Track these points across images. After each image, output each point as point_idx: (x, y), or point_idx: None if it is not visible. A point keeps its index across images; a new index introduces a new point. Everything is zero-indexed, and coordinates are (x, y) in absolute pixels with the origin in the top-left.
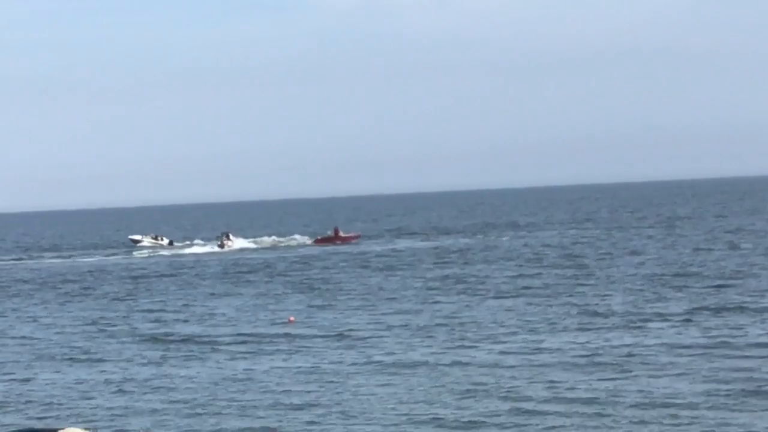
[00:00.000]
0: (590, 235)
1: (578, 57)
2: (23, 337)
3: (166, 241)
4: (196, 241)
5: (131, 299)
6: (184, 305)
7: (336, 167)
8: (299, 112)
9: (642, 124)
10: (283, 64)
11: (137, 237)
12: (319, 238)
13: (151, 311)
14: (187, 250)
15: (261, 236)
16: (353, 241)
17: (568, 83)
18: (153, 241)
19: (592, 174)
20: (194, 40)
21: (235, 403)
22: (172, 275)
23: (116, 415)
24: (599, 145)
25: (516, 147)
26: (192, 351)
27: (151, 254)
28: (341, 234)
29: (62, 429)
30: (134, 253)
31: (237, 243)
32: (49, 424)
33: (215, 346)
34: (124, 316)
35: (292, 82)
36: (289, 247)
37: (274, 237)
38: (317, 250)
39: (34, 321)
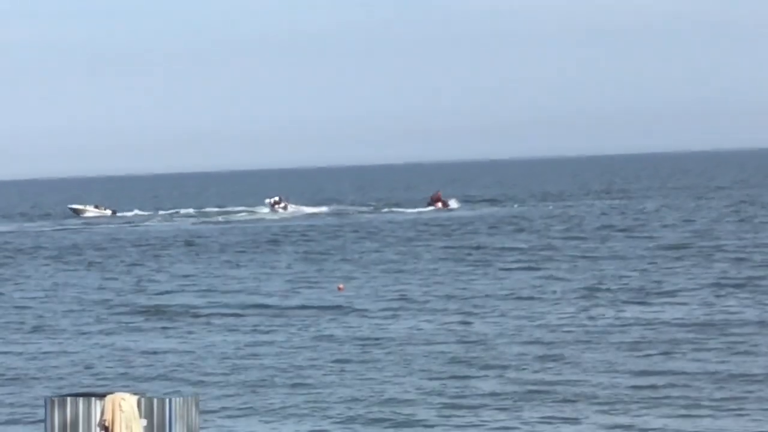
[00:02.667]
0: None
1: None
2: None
3: (109, 212)
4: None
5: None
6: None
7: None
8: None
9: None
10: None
11: (79, 206)
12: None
13: (199, 277)
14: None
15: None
16: (447, 207)
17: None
18: (96, 210)
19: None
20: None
21: (286, 369)
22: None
23: (165, 378)
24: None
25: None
26: (234, 320)
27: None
28: (441, 198)
29: (111, 393)
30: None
31: (291, 209)
32: (91, 388)
33: (267, 314)
34: (186, 285)
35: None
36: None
37: (334, 205)
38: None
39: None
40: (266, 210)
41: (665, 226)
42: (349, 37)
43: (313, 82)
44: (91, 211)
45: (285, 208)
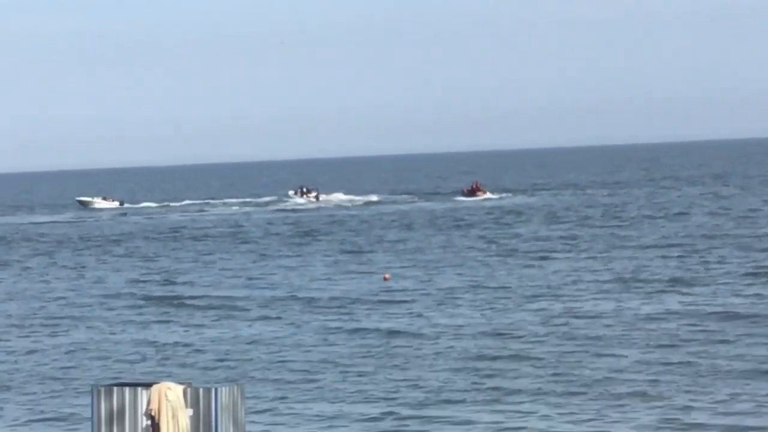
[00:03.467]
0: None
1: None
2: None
3: (116, 203)
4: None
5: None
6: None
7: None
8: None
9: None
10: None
11: (86, 198)
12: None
13: (244, 268)
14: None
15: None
16: (484, 196)
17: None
18: (104, 202)
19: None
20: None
21: (331, 358)
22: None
23: (208, 368)
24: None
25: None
26: (278, 310)
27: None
28: (481, 188)
29: (157, 383)
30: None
31: (325, 198)
32: (138, 378)
33: (310, 304)
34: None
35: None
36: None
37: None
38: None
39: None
40: (301, 200)
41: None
42: (380, 27)
43: (330, 74)
44: (99, 203)
45: (317, 198)
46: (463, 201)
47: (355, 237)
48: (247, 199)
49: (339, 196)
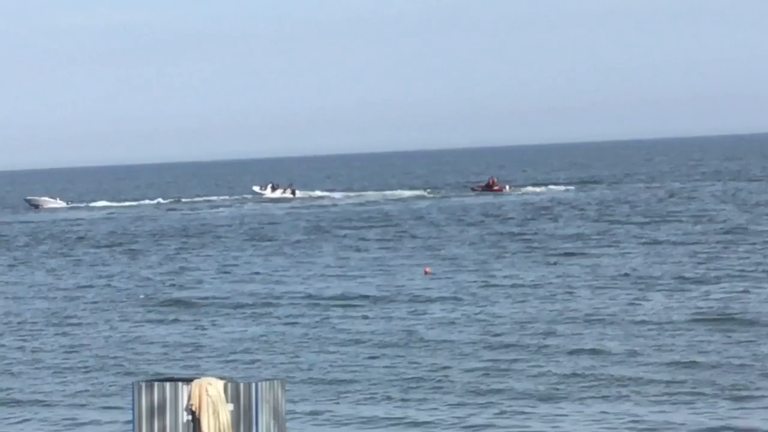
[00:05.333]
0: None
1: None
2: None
3: (63, 203)
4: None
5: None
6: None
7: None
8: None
9: None
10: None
11: (34, 198)
12: (474, 186)
13: (276, 264)
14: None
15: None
16: (502, 191)
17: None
18: (50, 200)
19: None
20: None
21: (373, 353)
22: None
23: (249, 366)
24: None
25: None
26: (318, 305)
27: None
28: (495, 184)
29: (198, 378)
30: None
31: (299, 194)
32: (176, 373)
33: (347, 299)
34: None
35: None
36: (399, 199)
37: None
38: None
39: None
40: (274, 195)
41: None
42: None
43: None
44: (47, 203)
45: (293, 193)
46: (481, 196)
47: (382, 232)
48: (213, 198)
49: (312, 193)
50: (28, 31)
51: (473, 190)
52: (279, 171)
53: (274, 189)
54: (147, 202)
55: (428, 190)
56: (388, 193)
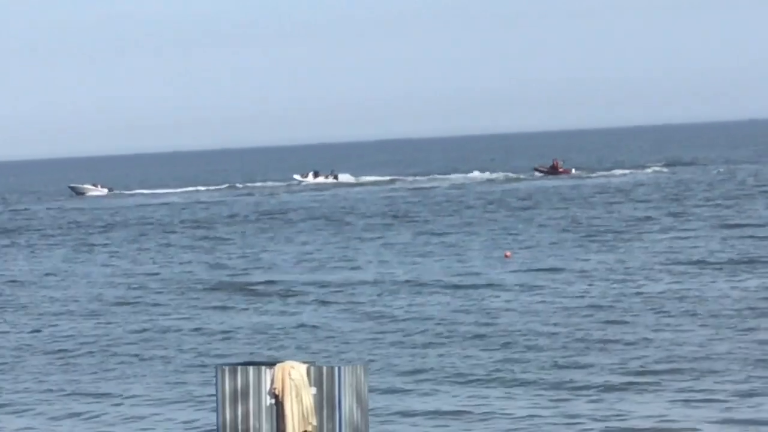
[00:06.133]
0: None
1: None
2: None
3: (105, 190)
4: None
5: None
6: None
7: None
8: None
9: None
10: None
11: (77, 185)
12: (539, 167)
13: (357, 250)
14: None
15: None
16: (568, 174)
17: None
18: (93, 188)
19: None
20: None
21: (451, 337)
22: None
23: (332, 349)
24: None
25: None
26: (400, 289)
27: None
28: (560, 167)
29: (281, 362)
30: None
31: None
32: (259, 357)
33: (427, 283)
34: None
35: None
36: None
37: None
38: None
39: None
40: (316, 181)
41: None
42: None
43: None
44: (90, 190)
45: (335, 178)
46: (550, 178)
47: (455, 216)
48: (277, 183)
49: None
50: (85, 18)
51: (538, 171)
52: (336, 157)
53: (315, 176)
54: (201, 188)
55: (496, 174)
56: (453, 176)
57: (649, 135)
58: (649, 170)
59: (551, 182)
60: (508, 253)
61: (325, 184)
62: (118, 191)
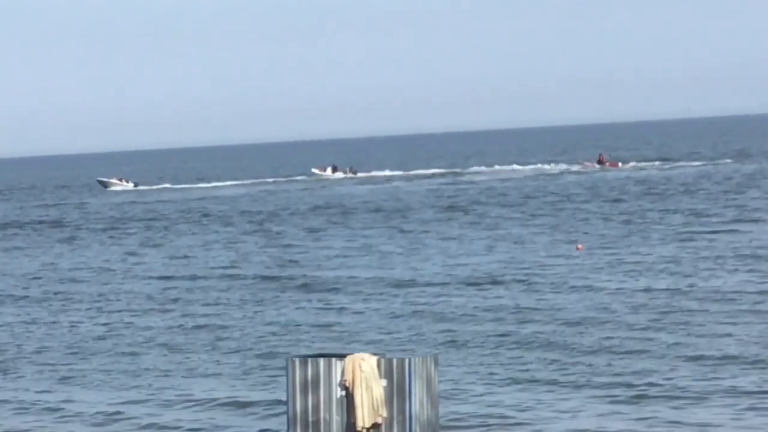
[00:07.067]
0: None
1: None
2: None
3: (131, 184)
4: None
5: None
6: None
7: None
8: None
9: None
10: None
11: (105, 179)
12: (584, 162)
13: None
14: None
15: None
16: (616, 167)
17: None
18: (119, 182)
19: None
20: None
21: (514, 330)
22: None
23: (403, 340)
24: None
25: None
26: (466, 283)
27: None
28: (606, 161)
29: (351, 354)
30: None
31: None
32: (329, 348)
33: (498, 278)
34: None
35: None
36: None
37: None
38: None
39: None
40: (336, 176)
41: None
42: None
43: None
44: (116, 184)
45: (354, 173)
46: (604, 171)
47: (515, 208)
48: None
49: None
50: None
51: (582, 165)
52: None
53: (334, 170)
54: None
55: (556, 165)
56: (497, 167)
57: (703, 127)
58: (714, 163)
59: (605, 175)
60: (580, 246)
61: (345, 178)
62: (144, 186)
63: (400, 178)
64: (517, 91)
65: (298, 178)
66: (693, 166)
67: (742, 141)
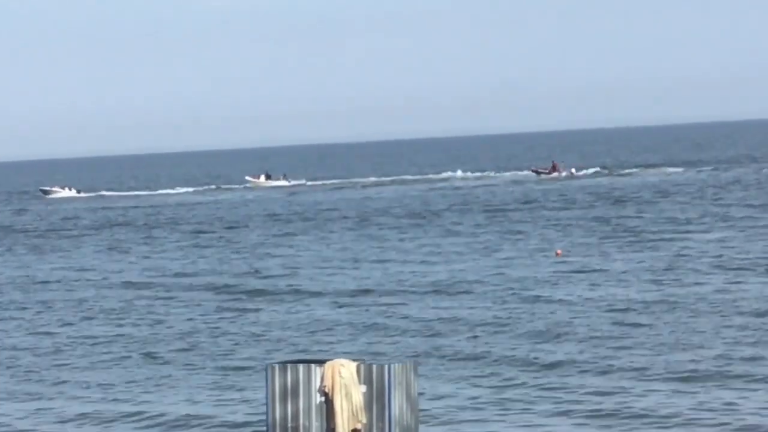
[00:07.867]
0: None
1: None
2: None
3: (74, 191)
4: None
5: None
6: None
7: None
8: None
9: None
10: None
11: (47, 188)
12: (535, 169)
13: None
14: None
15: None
16: (568, 175)
17: None
18: (61, 190)
19: None
20: None
21: (502, 337)
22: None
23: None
24: None
25: None
26: (449, 289)
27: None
28: (559, 168)
29: (330, 360)
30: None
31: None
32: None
33: (476, 282)
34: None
35: None
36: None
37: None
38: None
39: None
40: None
41: None
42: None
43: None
44: (59, 192)
45: (288, 181)
46: (548, 180)
47: (488, 215)
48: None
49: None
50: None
51: (536, 173)
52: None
53: (267, 178)
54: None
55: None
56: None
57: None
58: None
59: (574, 183)
60: (559, 251)
61: (279, 187)
62: (86, 193)
63: (339, 186)
64: (517, 92)
65: (234, 186)
66: (651, 174)
67: (724, 148)
